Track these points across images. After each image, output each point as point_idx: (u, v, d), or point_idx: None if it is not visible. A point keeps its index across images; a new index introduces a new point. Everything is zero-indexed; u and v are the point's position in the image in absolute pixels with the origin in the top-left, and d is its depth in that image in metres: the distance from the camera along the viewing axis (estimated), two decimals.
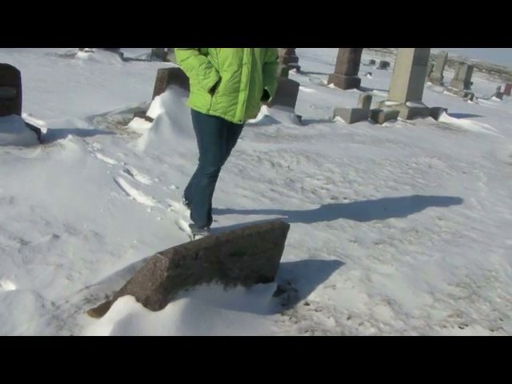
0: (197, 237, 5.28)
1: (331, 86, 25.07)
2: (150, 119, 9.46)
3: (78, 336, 3.62)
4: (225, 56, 4.85)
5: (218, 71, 4.85)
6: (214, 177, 5.24)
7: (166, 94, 9.92)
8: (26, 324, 3.64)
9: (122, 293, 3.81)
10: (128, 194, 6.26)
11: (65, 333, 3.63)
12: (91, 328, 3.64)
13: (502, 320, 4.93)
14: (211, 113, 5.04)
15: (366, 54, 59.94)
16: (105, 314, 3.70)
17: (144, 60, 21.30)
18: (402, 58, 18.51)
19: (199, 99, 5.10)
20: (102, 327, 3.54)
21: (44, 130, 7.89)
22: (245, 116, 5.09)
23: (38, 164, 6.57)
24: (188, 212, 5.69)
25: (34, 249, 4.60)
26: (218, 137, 5.15)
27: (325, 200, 7.57)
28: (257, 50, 4.92)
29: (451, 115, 19.97)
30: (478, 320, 4.83)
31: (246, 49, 4.85)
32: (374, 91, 24.77)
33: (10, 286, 4.05)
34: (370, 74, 38.62)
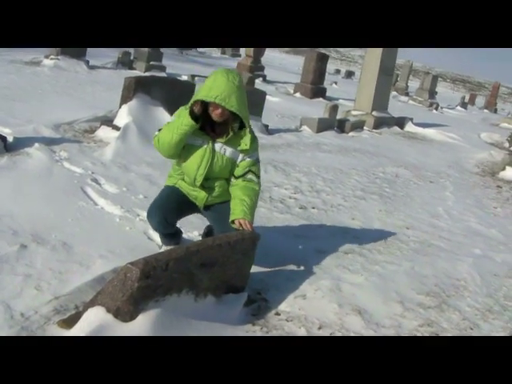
0: (163, 247, 5.26)
1: (297, 95, 25.16)
2: (117, 128, 9.38)
3: (44, 336, 3.57)
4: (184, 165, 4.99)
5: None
6: (156, 227, 5.15)
7: (133, 103, 9.85)
8: None
9: (92, 303, 3.76)
10: (96, 204, 6.21)
11: None
12: None
13: (471, 329, 4.94)
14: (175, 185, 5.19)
15: (332, 64, 60.21)
16: (75, 325, 3.65)
17: (110, 68, 21.18)
18: (368, 67, 18.64)
19: (168, 182, 5.29)
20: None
21: (10, 139, 7.78)
22: (210, 203, 5.12)
23: (4, 173, 6.50)
24: None
25: (2, 259, 4.52)
26: (167, 195, 5.14)
27: (293, 209, 7.56)
28: (217, 163, 4.91)
29: (417, 125, 20.16)
30: (448, 329, 4.84)
31: (202, 164, 4.88)
32: (340, 100, 24.87)
33: None
34: (336, 83, 38.88)
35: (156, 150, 5.02)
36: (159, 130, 4.97)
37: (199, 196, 5.03)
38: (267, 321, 4.49)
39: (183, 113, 4.76)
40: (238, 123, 4.83)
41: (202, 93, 4.61)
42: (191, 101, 4.70)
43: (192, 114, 4.70)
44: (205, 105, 4.70)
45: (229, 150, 4.87)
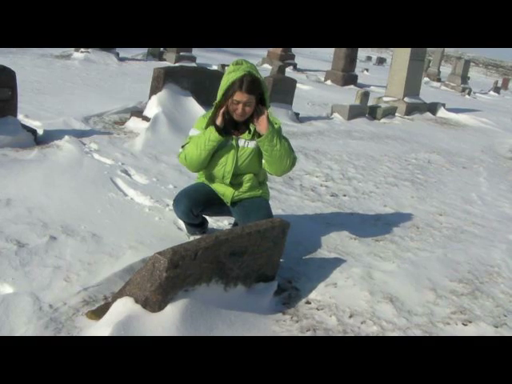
0: (191, 237, 5.24)
1: (328, 82, 25.11)
2: (146, 118, 9.42)
3: (76, 336, 3.57)
4: (214, 165, 4.94)
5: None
6: (180, 216, 5.14)
7: (162, 93, 9.87)
8: (24, 327, 3.58)
9: (120, 294, 3.75)
10: (126, 194, 6.21)
11: (63, 336, 3.58)
12: (90, 330, 3.58)
13: (505, 316, 4.86)
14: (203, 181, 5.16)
15: (363, 51, 59.93)
16: (103, 315, 3.64)
17: (140, 60, 21.29)
18: (399, 53, 18.50)
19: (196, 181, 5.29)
20: (100, 329, 3.48)
21: (40, 132, 7.85)
22: (237, 199, 5.05)
23: (34, 165, 6.52)
24: None
25: (32, 251, 4.54)
26: (195, 187, 5.12)
27: (324, 197, 7.52)
28: (242, 157, 4.87)
29: (449, 110, 20.01)
30: (481, 316, 4.77)
31: (228, 161, 4.86)
32: (372, 87, 24.78)
33: (8, 289, 3.99)
34: (367, 70, 38.72)
35: (185, 139, 4.99)
36: (182, 146, 4.96)
37: (226, 192, 5.00)
38: (298, 309, 4.46)
39: (208, 130, 4.73)
40: None
41: (230, 78, 4.58)
42: (222, 90, 4.64)
43: (216, 126, 4.68)
44: (226, 110, 4.70)
45: (252, 142, 4.83)
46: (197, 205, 4.96)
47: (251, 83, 4.57)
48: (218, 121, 4.69)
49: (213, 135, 4.67)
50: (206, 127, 4.75)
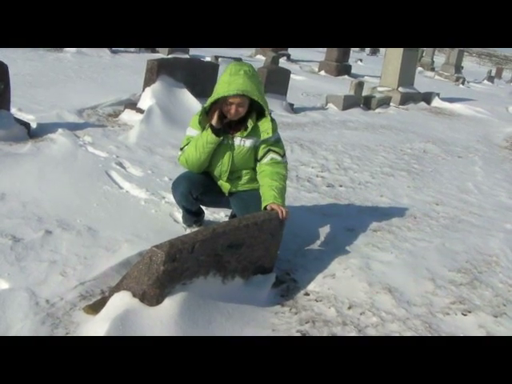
0: (187, 230, 5.22)
1: (322, 73, 25.08)
2: (140, 111, 9.37)
3: (75, 336, 3.53)
4: (210, 165, 4.95)
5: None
6: (179, 199, 5.08)
7: (156, 85, 9.82)
8: (21, 323, 3.54)
9: (117, 288, 3.72)
10: (121, 187, 6.17)
11: (60, 331, 3.53)
12: (87, 325, 3.55)
13: (505, 305, 4.84)
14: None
15: None
16: (101, 310, 3.61)
17: (133, 52, 21.19)
18: None
19: None
20: (98, 324, 3.45)
21: (34, 125, 7.80)
22: (234, 191, 5.06)
23: (28, 159, 6.47)
24: None
25: (27, 246, 4.49)
26: (194, 172, 5.02)
27: (320, 188, 7.48)
28: (238, 156, 4.86)
29: (443, 100, 20.01)
30: (481, 306, 4.74)
31: (224, 161, 4.86)
32: (366, 77, 24.79)
33: (3, 285, 3.94)
34: (361, 60, 38.73)
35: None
36: (181, 148, 4.97)
37: (224, 185, 5.01)
38: (296, 301, 4.43)
39: (205, 132, 4.76)
40: (254, 115, 4.78)
41: (221, 89, 4.57)
42: (211, 99, 4.65)
43: (213, 127, 4.70)
44: (219, 108, 4.68)
45: (249, 141, 4.81)
46: (196, 187, 4.94)
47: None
48: (214, 121, 4.69)
49: (210, 137, 4.69)
50: (203, 130, 4.77)
